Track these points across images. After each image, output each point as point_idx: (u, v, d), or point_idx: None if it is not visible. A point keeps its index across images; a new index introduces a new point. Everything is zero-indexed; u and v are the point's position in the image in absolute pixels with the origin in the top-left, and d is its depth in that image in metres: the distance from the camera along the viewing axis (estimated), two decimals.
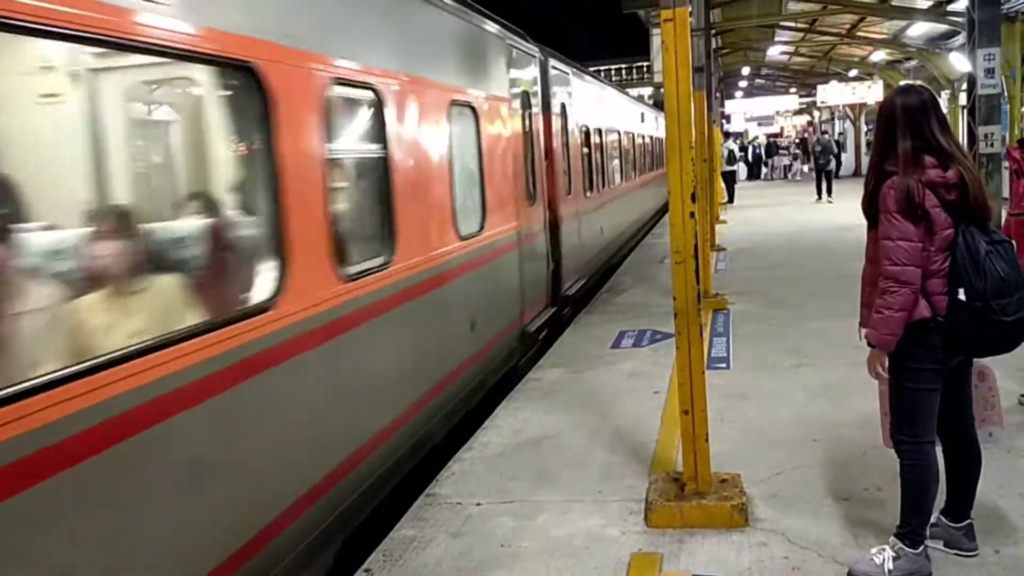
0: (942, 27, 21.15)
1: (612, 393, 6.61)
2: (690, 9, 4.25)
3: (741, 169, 34.88)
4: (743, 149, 39.65)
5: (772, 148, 40.47)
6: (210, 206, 4.07)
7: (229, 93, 3.99)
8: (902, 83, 4.02)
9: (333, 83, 4.42)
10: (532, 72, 8.86)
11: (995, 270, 3.30)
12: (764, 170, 39.23)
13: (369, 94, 4.96)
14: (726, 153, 25.13)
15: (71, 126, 4.11)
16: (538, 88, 9.07)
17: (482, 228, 6.76)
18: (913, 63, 28.61)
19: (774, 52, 31.63)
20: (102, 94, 4.12)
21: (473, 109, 6.75)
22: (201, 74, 3.99)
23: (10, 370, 2.86)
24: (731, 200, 24.21)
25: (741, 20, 22.58)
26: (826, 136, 32.45)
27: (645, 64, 45.76)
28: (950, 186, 3.35)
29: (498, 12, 7.66)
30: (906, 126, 3.43)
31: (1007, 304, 3.30)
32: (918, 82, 16.03)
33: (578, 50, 38.44)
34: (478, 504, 4.69)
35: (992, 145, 10.23)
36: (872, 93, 31.56)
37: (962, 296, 3.31)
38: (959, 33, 18.97)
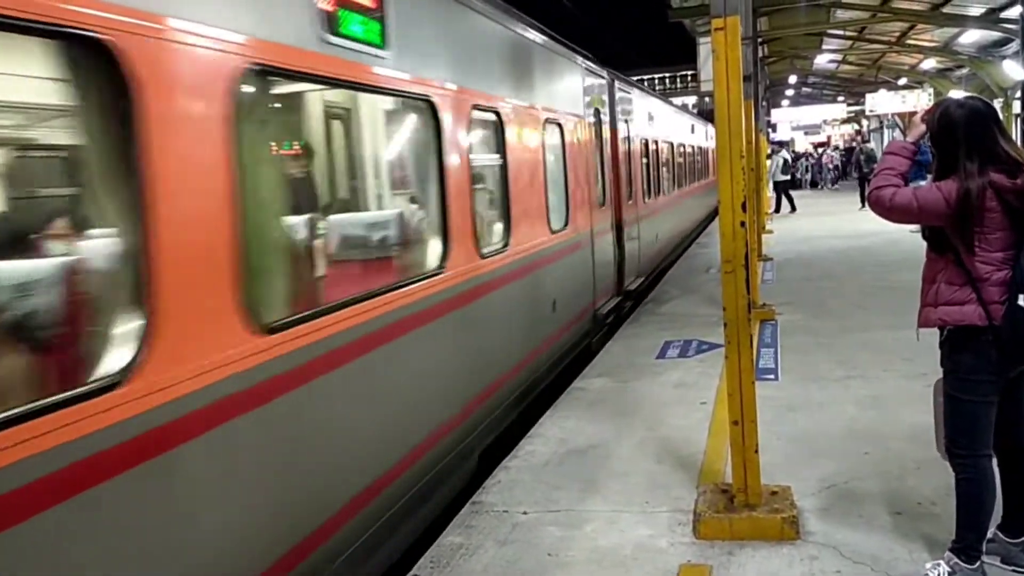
0: (995, 34, 20.80)
1: (658, 403, 6.58)
2: None
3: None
4: (801, 156, 38.42)
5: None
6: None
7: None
8: (954, 96, 3.94)
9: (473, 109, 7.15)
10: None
11: None
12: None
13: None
14: (780, 162, 24.67)
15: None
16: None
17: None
18: (964, 71, 28.15)
19: (821, 60, 31.37)
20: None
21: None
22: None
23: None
24: (793, 208, 23.73)
25: (788, 28, 22.43)
26: (869, 144, 31.97)
27: (690, 73, 45.62)
28: (1020, 193, 3.30)
29: (541, 20, 7.76)
30: (970, 142, 3.39)
31: None
32: (972, 94, 15.77)
33: (623, 59, 38.40)
34: (525, 513, 4.70)
35: None
36: (922, 102, 31.12)
37: (1021, 302, 3.26)
38: (1012, 40, 18.65)
